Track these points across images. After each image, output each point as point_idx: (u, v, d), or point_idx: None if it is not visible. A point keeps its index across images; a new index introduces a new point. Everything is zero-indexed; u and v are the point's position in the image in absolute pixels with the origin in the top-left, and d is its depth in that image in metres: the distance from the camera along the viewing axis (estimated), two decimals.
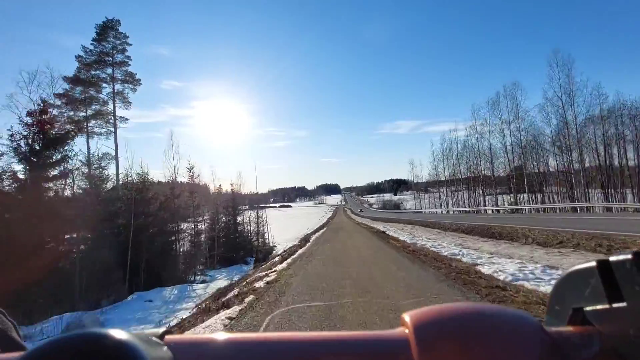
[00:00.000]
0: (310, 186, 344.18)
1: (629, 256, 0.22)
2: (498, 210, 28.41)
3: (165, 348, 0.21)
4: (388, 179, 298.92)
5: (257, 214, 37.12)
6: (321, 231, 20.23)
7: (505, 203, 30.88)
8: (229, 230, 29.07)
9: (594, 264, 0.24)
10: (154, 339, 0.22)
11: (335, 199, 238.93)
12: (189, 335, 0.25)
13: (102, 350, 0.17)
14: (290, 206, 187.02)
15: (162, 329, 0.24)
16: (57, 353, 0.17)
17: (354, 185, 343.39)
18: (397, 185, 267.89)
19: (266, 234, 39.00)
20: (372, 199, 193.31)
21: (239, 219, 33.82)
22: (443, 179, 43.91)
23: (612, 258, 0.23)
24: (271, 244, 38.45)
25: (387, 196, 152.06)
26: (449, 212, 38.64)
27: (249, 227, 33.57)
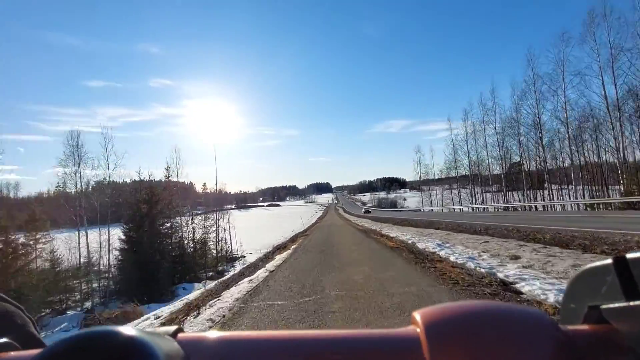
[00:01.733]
0: (301, 185, 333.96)
1: None
2: (576, 206, 18.92)
3: (177, 345, 0.21)
4: (380, 177, 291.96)
5: (216, 217, 26.41)
6: (287, 252, 8.98)
7: (583, 196, 19.96)
8: (141, 246, 17.73)
9: (610, 261, 0.23)
10: (166, 336, 0.22)
11: (326, 198, 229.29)
12: (202, 332, 0.24)
13: (116, 347, 0.18)
14: (279, 205, 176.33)
15: (174, 327, 0.24)
16: (73, 350, 0.18)
17: (346, 184, 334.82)
18: (390, 184, 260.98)
19: (231, 242, 28.41)
20: (365, 197, 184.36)
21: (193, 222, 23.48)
22: (466, 162, 33.81)
23: (629, 255, 0.22)
24: (239, 254, 28.17)
25: (382, 194, 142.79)
26: (474, 209, 29.13)
27: (193, 236, 22.81)
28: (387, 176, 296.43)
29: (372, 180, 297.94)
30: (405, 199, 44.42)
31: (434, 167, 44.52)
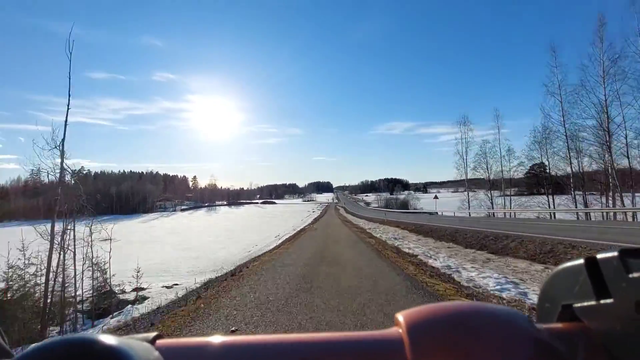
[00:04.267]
0: (302, 184, 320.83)
1: (616, 253, 0.22)
2: None
3: (156, 353, 0.21)
4: (382, 178, 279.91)
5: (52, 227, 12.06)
6: None
7: None
8: None
9: (581, 261, 0.24)
10: (144, 343, 0.21)
11: (326, 197, 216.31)
12: (182, 338, 0.24)
13: (92, 355, 0.17)
14: (274, 203, 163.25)
15: (153, 334, 0.23)
16: (46, 358, 0.17)
17: (347, 184, 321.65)
18: (393, 185, 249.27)
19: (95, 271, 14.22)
20: (369, 197, 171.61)
21: None
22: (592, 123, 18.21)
23: (599, 255, 0.23)
24: (138, 296, 14.55)
25: (387, 195, 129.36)
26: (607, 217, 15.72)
27: None
28: (389, 177, 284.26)
29: (374, 180, 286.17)
30: (436, 197, 30.66)
31: (500, 150, 26.88)
